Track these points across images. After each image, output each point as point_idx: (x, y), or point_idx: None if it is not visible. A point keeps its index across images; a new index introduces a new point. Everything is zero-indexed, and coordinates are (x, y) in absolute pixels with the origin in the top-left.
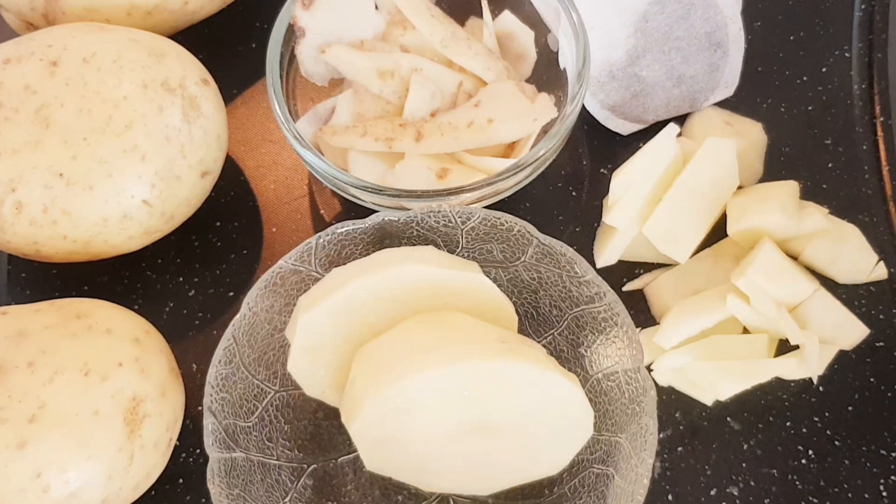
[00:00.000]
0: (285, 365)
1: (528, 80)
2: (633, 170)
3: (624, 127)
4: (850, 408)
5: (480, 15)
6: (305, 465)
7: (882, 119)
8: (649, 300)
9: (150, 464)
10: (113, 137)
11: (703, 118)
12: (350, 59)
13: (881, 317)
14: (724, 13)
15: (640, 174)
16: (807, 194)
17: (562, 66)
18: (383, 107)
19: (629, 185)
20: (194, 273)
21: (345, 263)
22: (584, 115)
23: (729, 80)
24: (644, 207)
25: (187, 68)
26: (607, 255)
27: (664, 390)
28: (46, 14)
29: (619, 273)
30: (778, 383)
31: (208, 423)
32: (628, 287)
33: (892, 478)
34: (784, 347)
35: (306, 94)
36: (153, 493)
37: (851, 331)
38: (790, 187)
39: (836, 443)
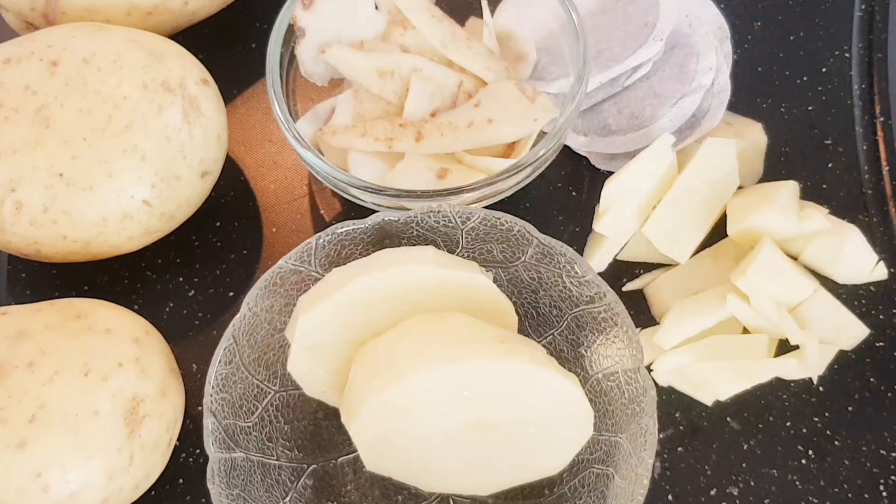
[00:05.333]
0: (285, 365)
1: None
2: (624, 178)
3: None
4: (850, 408)
5: (480, 15)
6: (305, 465)
7: (882, 119)
8: (649, 300)
9: (150, 464)
10: (113, 137)
11: None
12: (350, 59)
13: (881, 317)
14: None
15: (633, 183)
16: (807, 194)
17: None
18: (383, 107)
19: (621, 193)
20: (194, 273)
21: (345, 263)
22: None
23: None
24: (635, 216)
25: (187, 68)
26: (596, 262)
27: (664, 390)
28: (46, 14)
29: (619, 273)
30: (778, 383)
31: (208, 423)
32: (628, 287)
33: (892, 478)
34: (784, 347)
35: (306, 94)
36: (153, 493)
37: (851, 331)
38: (790, 187)
39: (836, 443)
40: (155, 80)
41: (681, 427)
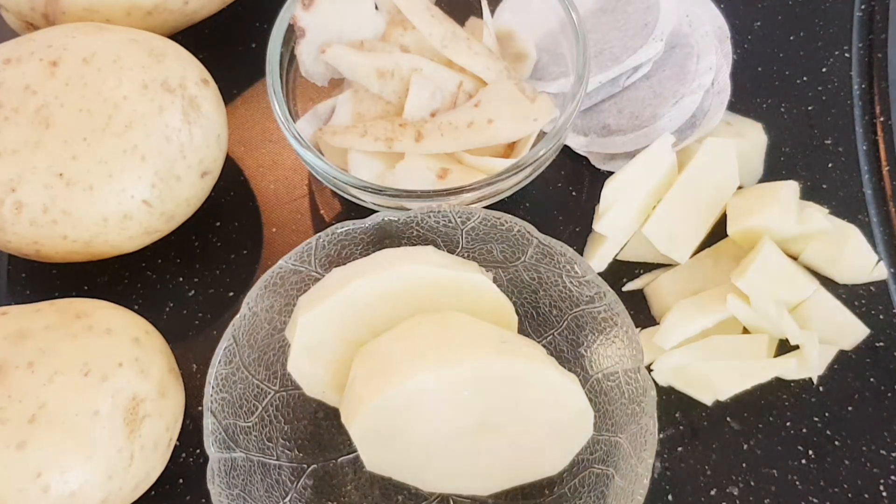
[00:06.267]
0: (285, 365)
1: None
2: (625, 178)
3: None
4: (850, 408)
5: (480, 15)
6: (305, 465)
7: (882, 119)
8: (649, 300)
9: (150, 464)
10: (113, 137)
11: None
12: (350, 59)
13: (881, 317)
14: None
15: (633, 183)
16: (807, 194)
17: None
18: (383, 107)
19: (621, 193)
20: (194, 273)
21: (345, 263)
22: None
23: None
24: (635, 216)
25: (187, 68)
26: (596, 262)
27: (664, 390)
28: (46, 14)
29: (619, 273)
30: (778, 383)
31: (208, 423)
32: (628, 287)
33: (892, 478)
34: (784, 347)
35: (306, 94)
36: (153, 493)
37: (851, 331)
38: (790, 187)
39: (836, 443)
40: (155, 80)
41: (681, 427)
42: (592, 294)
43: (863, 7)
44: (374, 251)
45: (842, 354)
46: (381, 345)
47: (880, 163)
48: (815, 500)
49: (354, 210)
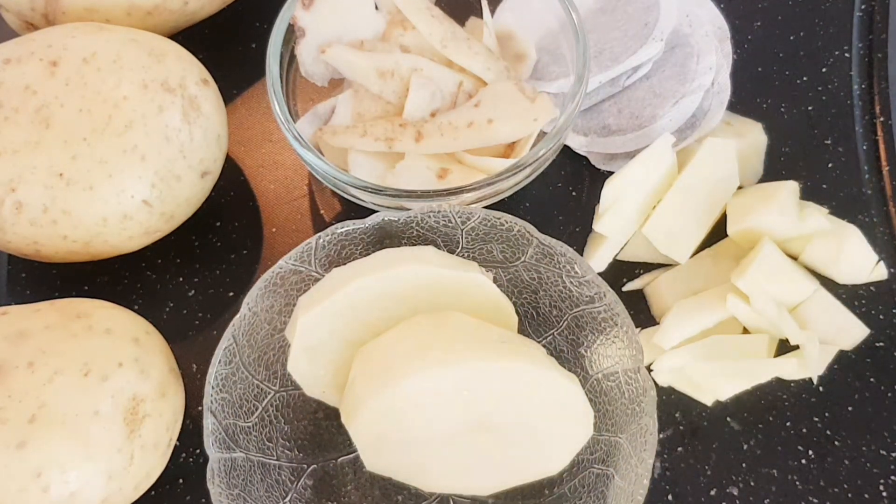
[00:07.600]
0: (285, 365)
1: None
2: (624, 178)
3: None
4: (850, 408)
5: (480, 15)
6: (305, 465)
7: (882, 119)
8: (649, 300)
9: (150, 464)
10: (113, 137)
11: None
12: (350, 59)
13: (881, 317)
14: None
15: (633, 182)
16: (807, 194)
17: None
18: (383, 107)
19: (621, 193)
20: (194, 273)
21: (345, 263)
22: None
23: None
24: (636, 216)
25: (187, 68)
26: (596, 261)
27: (664, 390)
28: (46, 14)
29: (619, 273)
30: (778, 383)
31: (208, 423)
32: (628, 287)
33: (892, 478)
34: (784, 347)
35: (306, 94)
36: (153, 493)
37: (851, 331)
38: (790, 187)
39: (836, 443)
40: (155, 80)
41: (681, 427)
42: (592, 294)
43: (863, 7)
44: (374, 251)
45: (842, 354)
46: (381, 345)
47: (880, 163)
48: (815, 500)
49: (354, 210)
